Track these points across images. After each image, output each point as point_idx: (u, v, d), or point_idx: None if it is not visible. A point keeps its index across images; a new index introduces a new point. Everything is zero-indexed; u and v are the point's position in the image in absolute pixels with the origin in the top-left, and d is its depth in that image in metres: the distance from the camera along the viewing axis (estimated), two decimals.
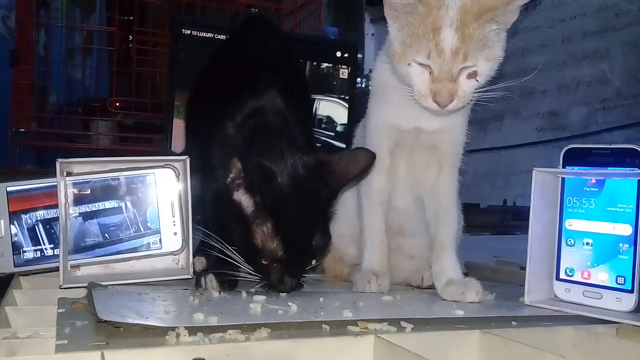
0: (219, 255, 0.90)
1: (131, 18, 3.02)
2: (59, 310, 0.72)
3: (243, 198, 0.88)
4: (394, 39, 0.87)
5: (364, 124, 1.05)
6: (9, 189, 0.95)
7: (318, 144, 1.64)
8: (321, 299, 0.82)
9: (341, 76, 2.34)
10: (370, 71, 3.56)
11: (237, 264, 0.89)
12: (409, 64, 0.85)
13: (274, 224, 0.86)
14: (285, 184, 0.87)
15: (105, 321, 0.63)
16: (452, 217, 0.98)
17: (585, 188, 0.84)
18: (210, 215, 0.98)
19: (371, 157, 0.89)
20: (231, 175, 0.87)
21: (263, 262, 0.87)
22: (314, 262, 0.92)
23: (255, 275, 0.89)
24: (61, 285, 0.86)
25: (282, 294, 0.87)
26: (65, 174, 0.91)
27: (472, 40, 0.82)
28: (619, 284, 0.80)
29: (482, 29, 0.82)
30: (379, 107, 0.98)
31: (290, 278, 0.88)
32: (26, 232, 0.95)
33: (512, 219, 2.33)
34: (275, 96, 0.97)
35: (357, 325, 0.67)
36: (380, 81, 0.97)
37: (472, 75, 0.84)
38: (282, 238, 0.86)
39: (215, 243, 0.91)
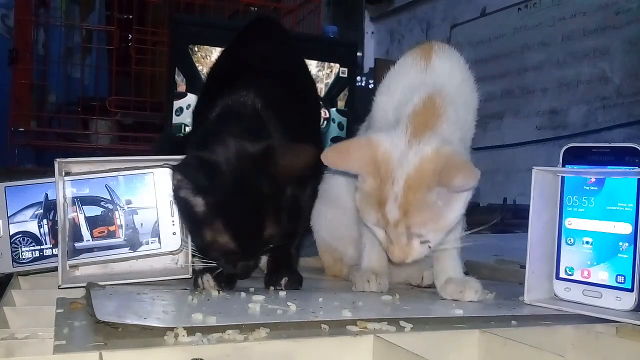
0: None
1: (130, 17, 3.02)
2: (58, 311, 0.72)
3: (190, 198, 0.87)
4: (358, 188, 0.87)
5: (367, 124, 1.04)
6: (7, 188, 0.95)
7: None
8: (320, 299, 0.82)
9: (341, 75, 2.34)
10: (370, 70, 3.54)
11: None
12: (367, 222, 0.87)
13: (222, 221, 0.86)
14: (229, 180, 0.86)
15: (104, 321, 0.63)
16: None
17: (585, 187, 0.84)
18: None
19: (313, 154, 0.87)
20: (174, 183, 0.87)
21: (217, 255, 0.88)
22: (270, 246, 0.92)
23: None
24: (60, 286, 0.86)
25: (281, 294, 0.87)
26: (63, 173, 0.90)
27: (414, 214, 0.80)
28: (618, 282, 0.80)
29: (424, 204, 0.80)
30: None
31: (246, 264, 0.89)
32: (25, 231, 0.95)
33: (512, 218, 2.33)
34: (250, 97, 0.95)
35: (356, 325, 0.67)
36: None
37: (424, 242, 0.84)
38: (232, 234, 0.86)
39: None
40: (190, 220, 0.89)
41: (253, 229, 0.88)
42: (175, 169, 0.86)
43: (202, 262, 0.90)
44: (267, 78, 1.02)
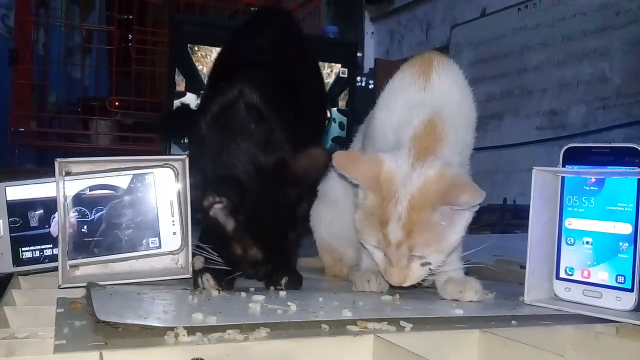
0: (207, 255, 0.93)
1: (130, 17, 3.02)
2: (58, 310, 0.72)
3: (220, 215, 0.91)
4: (358, 208, 0.88)
5: (364, 127, 1.04)
6: (7, 188, 0.95)
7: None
8: (320, 299, 0.82)
9: (341, 75, 2.34)
10: (370, 70, 3.53)
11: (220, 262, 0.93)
12: (366, 243, 0.87)
13: (252, 237, 0.91)
14: (257, 198, 0.91)
15: (104, 321, 0.63)
16: None
17: (585, 187, 0.84)
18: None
19: (327, 157, 0.90)
20: (206, 203, 0.90)
21: (243, 265, 0.92)
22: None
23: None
24: (60, 285, 0.86)
25: (281, 294, 0.87)
26: (64, 173, 0.90)
27: (417, 235, 0.81)
28: (619, 282, 0.80)
29: (428, 224, 0.81)
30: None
31: (267, 267, 0.93)
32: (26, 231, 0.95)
33: (512, 218, 2.33)
34: (249, 93, 0.98)
35: (356, 325, 0.67)
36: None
37: (425, 264, 0.84)
38: (260, 247, 0.91)
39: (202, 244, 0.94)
40: (219, 236, 0.92)
41: (278, 239, 0.93)
42: (209, 189, 0.89)
43: (212, 260, 0.93)
44: (270, 72, 1.03)
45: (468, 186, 0.81)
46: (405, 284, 0.86)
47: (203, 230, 0.99)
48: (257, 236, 0.91)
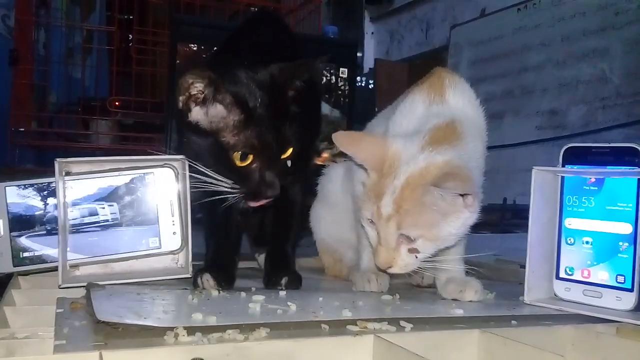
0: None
1: (131, 17, 3.03)
2: (58, 311, 0.72)
3: (199, 113, 0.87)
4: (364, 187, 0.87)
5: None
6: (8, 188, 0.95)
7: None
8: (320, 299, 0.82)
9: (341, 75, 2.34)
10: (370, 70, 3.53)
11: (215, 184, 0.88)
12: (363, 219, 0.87)
13: (242, 115, 0.86)
14: (241, 79, 0.87)
15: (104, 321, 0.63)
16: None
17: (584, 187, 0.84)
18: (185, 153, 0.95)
19: (313, 62, 0.91)
20: (182, 97, 0.86)
21: (241, 163, 0.86)
22: (289, 152, 0.90)
23: (238, 189, 0.88)
24: (60, 285, 0.86)
25: (281, 294, 0.87)
26: (64, 173, 0.90)
27: (408, 214, 0.80)
28: (619, 282, 0.80)
29: (419, 204, 0.80)
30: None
31: (272, 174, 0.87)
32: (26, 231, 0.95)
33: (512, 217, 2.33)
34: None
35: (356, 325, 0.67)
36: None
37: (413, 250, 0.83)
38: (253, 127, 0.85)
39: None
40: (204, 143, 0.87)
41: (272, 123, 0.87)
42: (184, 74, 0.84)
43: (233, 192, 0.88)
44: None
45: (462, 176, 0.79)
46: (392, 270, 0.84)
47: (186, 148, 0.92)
48: (249, 119, 0.85)
